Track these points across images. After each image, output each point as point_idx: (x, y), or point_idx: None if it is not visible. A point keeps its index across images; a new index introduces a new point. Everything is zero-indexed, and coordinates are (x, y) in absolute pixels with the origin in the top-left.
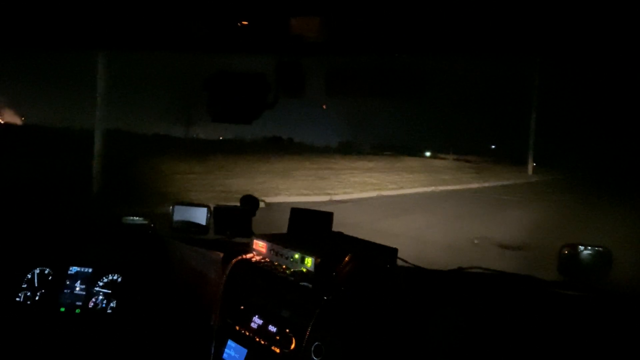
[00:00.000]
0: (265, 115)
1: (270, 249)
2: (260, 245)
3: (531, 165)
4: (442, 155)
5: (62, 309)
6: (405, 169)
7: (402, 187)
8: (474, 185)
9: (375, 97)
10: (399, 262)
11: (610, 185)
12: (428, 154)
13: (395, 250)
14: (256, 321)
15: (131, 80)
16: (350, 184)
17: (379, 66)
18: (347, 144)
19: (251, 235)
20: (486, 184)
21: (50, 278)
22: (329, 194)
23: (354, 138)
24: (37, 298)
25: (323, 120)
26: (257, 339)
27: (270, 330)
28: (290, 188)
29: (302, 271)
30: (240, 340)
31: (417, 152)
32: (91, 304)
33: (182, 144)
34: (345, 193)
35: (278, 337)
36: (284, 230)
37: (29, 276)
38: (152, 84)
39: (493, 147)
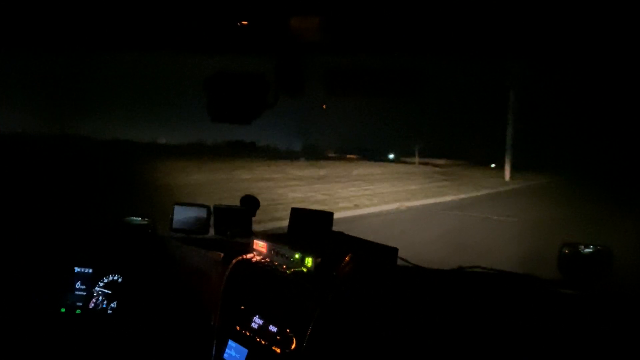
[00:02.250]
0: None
1: (270, 249)
2: (260, 245)
3: (508, 169)
4: (408, 159)
5: (63, 310)
6: (364, 177)
7: (356, 206)
8: (449, 198)
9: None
10: (399, 262)
11: (604, 191)
12: (391, 156)
13: (395, 250)
14: (257, 321)
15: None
16: (287, 202)
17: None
18: (311, 147)
19: (251, 235)
20: (463, 195)
21: (50, 278)
22: None
23: (319, 141)
24: (37, 298)
25: (289, 123)
26: (258, 339)
27: (270, 330)
28: None
29: (302, 271)
30: (240, 340)
31: (382, 155)
32: (92, 305)
33: (136, 149)
34: (272, 220)
35: (279, 337)
36: None
37: (30, 276)
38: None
39: (458, 149)
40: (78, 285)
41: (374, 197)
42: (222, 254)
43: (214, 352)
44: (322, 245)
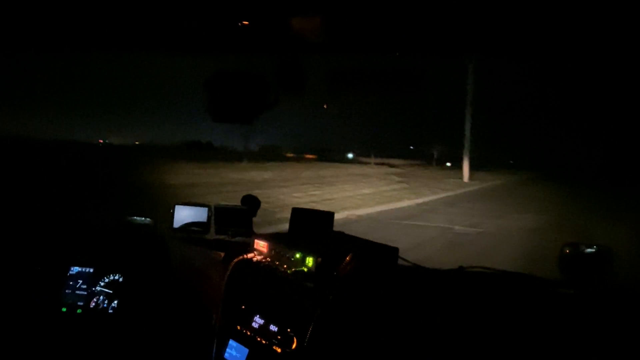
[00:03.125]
0: (188, 119)
1: (271, 249)
2: (261, 245)
3: (467, 169)
4: (365, 159)
5: (64, 309)
6: (313, 180)
7: None
8: (405, 203)
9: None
10: (400, 262)
11: (570, 190)
12: (350, 156)
13: (396, 250)
14: (257, 321)
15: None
16: None
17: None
18: (270, 147)
19: (252, 234)
20: (420, 200)
21: (51, 278)
22: None
23: (278, 141)
24: (38, 298)
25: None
26: (259, 339)
27: (271, 330)
28: None
29: (303, 271)
30: (241, 339)
31: (341, 155)
32: (93, 304)
33: (71, 149)
34: None
35: (279, 337)
36: None
37: (31, 276)
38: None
39: (412, 147)
40: (79, 284)
41: (320, 205)
42: (222, 254)
43: (214, 352)
44: (322, 245)
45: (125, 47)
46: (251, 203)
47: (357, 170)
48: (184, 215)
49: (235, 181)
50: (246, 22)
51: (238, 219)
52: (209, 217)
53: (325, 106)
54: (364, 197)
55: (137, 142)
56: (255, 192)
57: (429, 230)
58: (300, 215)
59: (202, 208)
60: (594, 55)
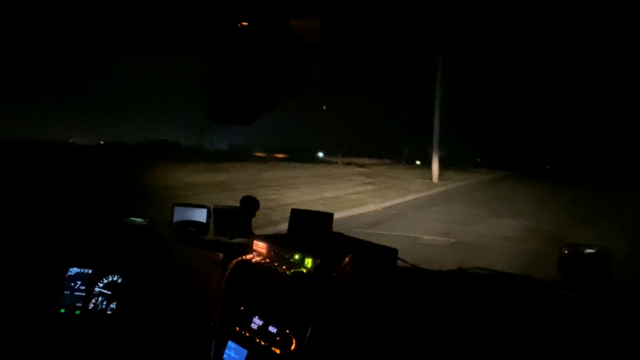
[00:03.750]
0: (157, 118)
1: (270, 250)
2: (260, 246)
3: (436, 169)
4: (333, 158)
5: (62, 310)
6: (273, 182)
7: None
8: (370, 208)
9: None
10: (399, 263)
11: (541, 189)
12: (321, 155)
13: (395, 251)
14: (256, 322)
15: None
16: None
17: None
18: (239, 146)
19: (251, 236)
20: (387, 203)
21: (50, 279)
22: None
23: (247, 140)
24: (37, 299)
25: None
26: (257, 340)
27: (270, 331)
28: None
29: (302, 272)
30: (240, 341)
31: (311, 154)
32: (91, 305)
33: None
34: None
35: (278, 338)
36: None
37: (30, 277)
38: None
39: (383, 145)
40: (77, 285)
41: (274, 212)
42: (221, 255)
43: (213, 353)
44: (322, 246)
45: (123, 48)
46: (250, 204)
47: (323, 170)
48: (182, 216)
49: (185, 185)
50: (245, 23)
51: (237, 220)
52: (208, 218)
53: (324, 107)
54: (326, 201)
55: (102, 142)
56: (203, 198)
57: (396, 240)
58: (299, 216)
59: (201, 209)
60: (562, 55)
